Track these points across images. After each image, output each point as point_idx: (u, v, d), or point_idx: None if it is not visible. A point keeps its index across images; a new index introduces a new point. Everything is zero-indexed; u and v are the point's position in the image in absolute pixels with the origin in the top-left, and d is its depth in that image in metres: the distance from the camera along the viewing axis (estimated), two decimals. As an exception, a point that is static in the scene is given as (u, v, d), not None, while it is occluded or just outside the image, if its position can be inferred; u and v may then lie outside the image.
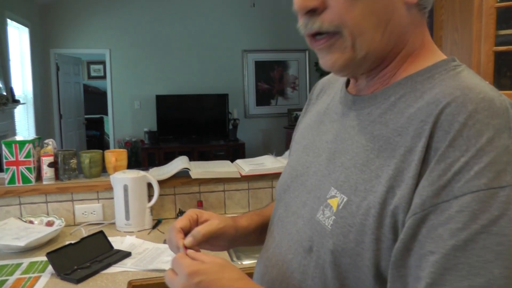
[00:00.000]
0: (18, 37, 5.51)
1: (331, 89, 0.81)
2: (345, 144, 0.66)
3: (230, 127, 6.79)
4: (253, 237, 0.84)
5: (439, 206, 0.51)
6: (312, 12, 0.61)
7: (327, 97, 0.80)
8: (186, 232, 0.74)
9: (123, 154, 2.01)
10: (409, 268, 0.53)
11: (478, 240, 0.48)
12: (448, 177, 0.51)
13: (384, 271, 0.56)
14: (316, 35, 0.62)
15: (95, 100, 8.51)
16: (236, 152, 6.33)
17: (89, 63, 8.93)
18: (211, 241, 0.76)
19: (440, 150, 0.52)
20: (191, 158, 2.30)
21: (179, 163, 2.08)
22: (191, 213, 0.78)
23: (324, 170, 0.68)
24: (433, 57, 0.63)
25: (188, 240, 0.71)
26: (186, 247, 0.70)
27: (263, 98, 7.23)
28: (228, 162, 2.25)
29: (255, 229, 0.84)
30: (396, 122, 0.59)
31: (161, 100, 6.59)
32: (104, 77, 7.10)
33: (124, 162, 2.01)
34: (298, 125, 0.88)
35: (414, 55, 0.64)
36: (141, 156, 6.39)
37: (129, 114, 6.83)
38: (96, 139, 8.38)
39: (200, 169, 2.03)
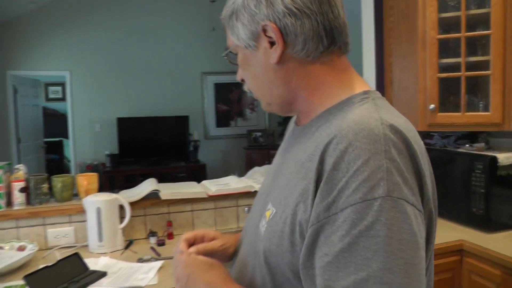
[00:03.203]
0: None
1: (291, 123, 0.98)
2: (283, 168, 0.81)
3: (191, 148, 6.85)
4: None
5: (330, 218, 0.63)
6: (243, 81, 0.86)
7: (288, 131, 0.98)
8: (190, 245, 0.91)
9: (94, 177, 2.07)
10: (314, 269, 0.65)
11: (359, 242, 0.60)
12: (334, 194, 0.63)
13: (298, 269, 0.68)
14: None
15: (54, 122, 8.33)
16: (197, 173, 6.37)
17: (47, 84, 8.75)
18: (214, 257, 0.89)
19: (327, 172, 0.64)
20: None
21: (148, 185, 2.15)
22: (199, 231, 0.96)
23: (269, 189, 0.84)
24: (348, 91, 0.76)
25: (191, 249, 0.87)
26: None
27: (222, 120, 7.35)
28: (195, 183, 2.34)
29: None
30: (310, 149, 0.72)
31: (122, 123, 6.58)
32: (62, 99, 7.01)
33: (95, 185, 2.06)
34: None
35: (322, 92, 0.77)
36: (102, 180, 6.32)
37: (90, 137, 6.76)
38: (55, 163, 8.18)
39: (169, 190, 2.11)
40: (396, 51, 2.29)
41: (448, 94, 2.11)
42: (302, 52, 0.75)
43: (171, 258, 1.71)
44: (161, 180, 2.40)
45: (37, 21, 6.39)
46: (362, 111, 0.69)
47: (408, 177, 0.63)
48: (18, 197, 1.88)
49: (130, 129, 6.64)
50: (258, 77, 0.80)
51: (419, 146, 0.70)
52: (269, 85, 0.79)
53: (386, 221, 0.60)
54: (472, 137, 2.29)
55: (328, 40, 0.75)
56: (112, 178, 6.21)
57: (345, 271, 0.60)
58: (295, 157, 0.77)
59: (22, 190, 1.88)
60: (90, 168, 6.44)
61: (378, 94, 0.78)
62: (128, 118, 6.66)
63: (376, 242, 0.59)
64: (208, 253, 0.88)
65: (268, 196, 0.81)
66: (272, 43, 0.75)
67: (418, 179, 0.66)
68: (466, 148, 2.14)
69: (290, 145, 0.84)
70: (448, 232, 1.98)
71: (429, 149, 2.29)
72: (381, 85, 2.38)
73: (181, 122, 6.83)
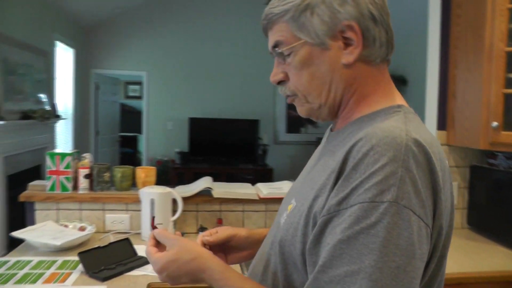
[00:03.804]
0: (64, 57, 5.90)
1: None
2: (313, 170, 0.85)
3: (260, 152, 6.95)
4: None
5: (339, 212, 0.67)
6: (281, 82, 0.84)
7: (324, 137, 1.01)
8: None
9: (152, 171, 2.19)
10: (317, 256, 0.69)
11: (358, 238, 0.64)
12: (347, 191, 0.67)
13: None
14: None
15: (131, 119, 8.83)
16: (264, 177, 6.43)
17: (127, 83, 9.33)
18: (225, 245, 0.95)
19: (346, 171, 0.68)
20: (219, 180, 2.45)
21: (203, 182, 2.24)
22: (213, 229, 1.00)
23: (298, 187, 0.88)
24: (385, 102, 0.80)
25: (205, 237, 0.94)
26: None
27: (293, 126, 7.38)
28: (249, 184, 2.40)
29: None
30: (339, 153, 0.75)
31: (193, 122, 6.86)
32: (140, 97, 7.42)
33: (153, 178, 2.18)
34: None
35: (368, 100, 0.80)
36: (170, 175, 6.62)
37: (162, 134, 7.12)
38: (129, 156, 8.68)
39: (222, 189, 2.18)
40: (461, 63, 2.20)
41: (514, 111, 1.99)
42: (372, 57, 0.78)
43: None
44: (228, 180, 2.49)
45: (120, 25, 6.88)
46: (391, 121, 0.73)
47: (421, 190, 0.66)
48: (83, 183, 2.04)
49: (201, 129, 6.88)
50: (319, 77, 0.78)
51: (441, 162, 0.72)
52: (330, 86, 0.79)
53: (387, 225, 0.63)
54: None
55: (389, 50, 0.80)
56: (181, 175, 6.46)
57: (339, 261, 0.64)
58: (325, 160, 0.80)
59: (87, 176, 2.05)
60: (160, 163, 6.76)
61: (411, 109, 0.80)
62: (200, 118, 6.91)
63: (374, 241, 0.63)
64: (220, 240, 0.96)
65: (294, 193, 0.86)
66: (347, 44, 0.77)
67: (433, 194, 0.68)
68: (532, 169, 2.01)
69: (324, 149, 0.88)
70: (507, 260, 1.86)
71: (492, 170, 2.18)
72: (444, 97, 2.29)
73: (252, 125, 6.96)
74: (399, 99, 0.82)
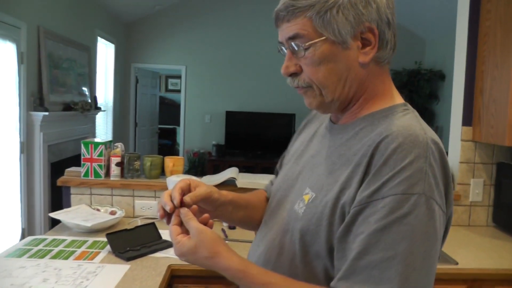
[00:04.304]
0: (105, 52, 6.14)
1: (316, 120, 1.07)
2: (321, 159, 0.89)
3: (295, 146, 6.97)
4: (230, 208, 1.00)
5: (371, 203, 0.73)
6: (294, 74, 0.87)
7: (317, 123, 1.05)
8: (183, 194, 0.90)
9: (180, 160, 2.29)
10: (347, 243, 0.75)
11: (392, 227, 0.71)
12: (379, 184, 0.74)
13: (333, 246, 0.79)
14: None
15: (170, 111, 9.05)
16: (298, 171, 6.47)
17: (168, 77, 9.57)
18: (200, 204, 0.92)
19: (377, 166, 0.75)
20: (255, 173, 2.54)
21: (228, 173, 2.32)
22: (185, 180, 0.93)
23: (306, 176, 0.91)
24: (391, 101, 0.87)
25: (186, 197, 0.87)
26: (180, 206, 0.86)
27: (328, 119, 7.36)
28: (273, 176, 2.46)
29: (231, 200, 1.01)
30: (356, 146, 0.82)
31: (230, 116, 6.99)
32: (180, 90, 7.62)
33: (181, 167, 2.29)
34: (294, 140, 1.12)
35: (375, 98, 0.87)
36: (207, 167, 6.78)
37: (199, 126, 7.29)
38: (168, 147, 8.92)
39: (246, 180, 2.26)
40: (489, 59, 2.17)
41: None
42: (382, 58, 0.85)
43: (237, 240, 1.87)
44: (263, 173, 2.58)
45: (159, 21, 7.07)
46: (408, 120, 0.81)
47: (439, 182, 0.75)
48: (114, 170, 2.17)
49: (237, 123, 7.01)
50: (336, 73, 0.82)
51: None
52: (345, 83, 0.83)
53: (418, 214, 0.71)
54: None
55: (394, 52, 0.86)
56: (217, 167, 6.60)
57: (375, 248, 0.71)
58: (337, 151, 0.86)
59: (118, 164, 2.18)
60: (196, 155, 6.94)
61: (412, 108, 0.88)
62: (236, 112, 7.03)
63: (406, 230, 0.71)
64: (199, 200, 0.89)
65: (303, 182, 0.90)
66: (364, 44, 0.82)
67: (445, 185, 0.76)
68: (559, 167, 1.97)
69: (324, 138, 0.93)
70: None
71: (518, 166, 2.14)
72: (471, 93, 2.27)
73: (288, 119, 7.00)
74: (399, 98, 0.89)
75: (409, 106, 0.87)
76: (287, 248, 0.87)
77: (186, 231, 0.85)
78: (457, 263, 1.73)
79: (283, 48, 0.89)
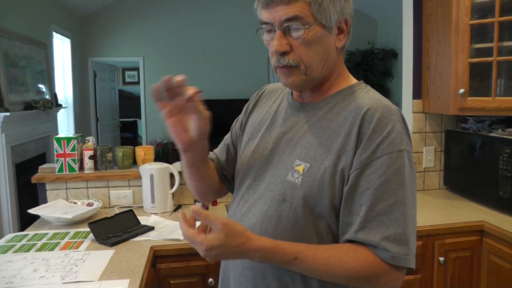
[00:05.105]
0: (61, 47, 6.03)
1: (273, 96, 1.18)
2: (301, 133, 1.01)
3: (257, 131, 7.09)
4: (205, 169, 1.13)
5: (370, 163, 0.90)
6: (283, 53, 0.94)
7: (271, 102, 1.16)
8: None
9: (150, 149, 2.38)
10: (353, 201, 0.91)
11: (391, 179, 0.89)
12: (373, 147, 0.90)
13: (335, 205, 0.93)
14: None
15: (130, 104, 8.96)
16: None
17: (124, 69, 9.43)
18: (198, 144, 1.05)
19: (367, 133, 0.91)
20: None
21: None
22: None
23: (286, 151, 1.01)
24: (349, 80, 1.05)
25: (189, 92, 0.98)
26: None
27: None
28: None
29: (210, 162, 1.18)
30: (337, 119, 0.97)
31: (190, 105, 6.99)
32: (138, 82, 7.56)
33: (152, 156, 2.37)
34: (247, 118, 1.23)
35: (339, 78, 1.04)
36: (171, 157, 6.82)
37: (160, 117, 7.24)
38: (130, 140, 8.86)
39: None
40: (433, 37, 2.36)
41: (480, 79, 2.16)
42: (345, 45, 1.02)
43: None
44: None
45: (114, 13, 6.99)
46: (374, 94, 0.99)
47: (409, 138, 0.95)
48: (88, 163, 2.23)
49: (198, 111, 7.02)
50: (320, 54, 0.95)
51: None
52: (325, 63, 0.97)
53: (405, 165, 0.91)
54: (509, 122, 2.32)
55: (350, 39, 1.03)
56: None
57: (381, 199, 0.89)
58: (317, 124, 0.98)
59: (91, 157, 2.24)
60: (160, 146, 6.95)
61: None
62: (196, 100, 7.05)
63: (401, 179, 0.90)
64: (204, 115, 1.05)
65: (288, 156, 0.99)
66: (339, 32, 0.98)
67: (410, 140, 0.97)
68: (497, 133, 2.18)
69: (294, 116, 1.04)
70: (472, 213, 2.07)
71: (464, 133, 2.36)
72: (419, 69, 2.46)
73: (248, 104, 7.08)
74: (353, 78, 1.07)
75: (365, 83, 1.05)
76: (285, 216, 0.95)
77: (200, 231, 0.89)
78: (413, 223, 1.93)
79: (267, 28, 0.96)
